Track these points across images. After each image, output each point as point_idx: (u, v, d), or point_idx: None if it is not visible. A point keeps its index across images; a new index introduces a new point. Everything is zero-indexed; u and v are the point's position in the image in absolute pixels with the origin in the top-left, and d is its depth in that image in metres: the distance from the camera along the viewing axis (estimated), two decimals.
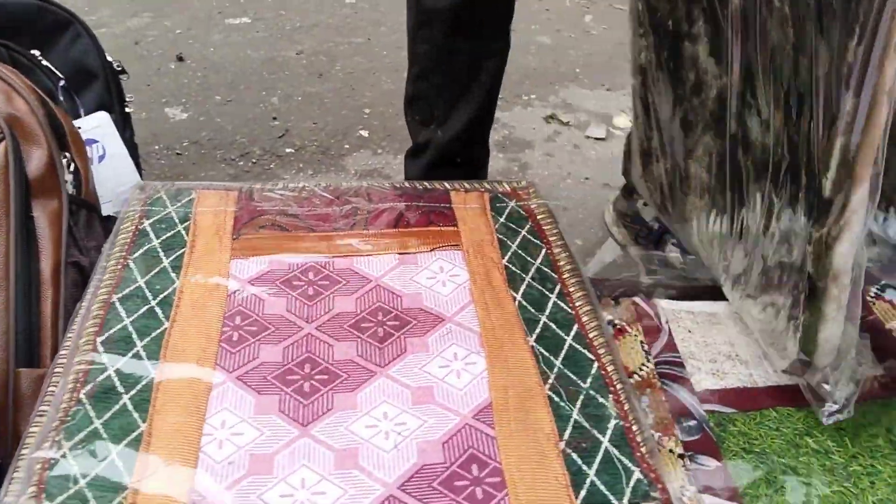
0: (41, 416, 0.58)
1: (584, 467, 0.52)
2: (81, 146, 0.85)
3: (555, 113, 1.61)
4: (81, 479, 0.49)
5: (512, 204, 0.78)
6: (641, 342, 0.81)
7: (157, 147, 1.41)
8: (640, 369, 0.74)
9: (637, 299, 0.87)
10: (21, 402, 0.69)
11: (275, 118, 1.53)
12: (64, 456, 0.51)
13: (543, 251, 0.71)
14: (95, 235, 0.82)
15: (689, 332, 0.83)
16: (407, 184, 0.80)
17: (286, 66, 1.70)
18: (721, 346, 0.81)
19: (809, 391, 0.67)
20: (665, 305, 0.87)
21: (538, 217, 0.76)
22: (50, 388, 0.60)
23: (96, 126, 0.97)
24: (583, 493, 0.50)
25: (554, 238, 0.73)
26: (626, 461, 0.52)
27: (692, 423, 0.72)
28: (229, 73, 1.66)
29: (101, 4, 1.88)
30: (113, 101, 1.02)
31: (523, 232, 0.74)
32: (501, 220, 0.75)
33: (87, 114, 1.00)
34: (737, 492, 0.66)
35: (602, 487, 0.51)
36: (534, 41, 1.82)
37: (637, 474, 0.52)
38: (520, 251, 0.71)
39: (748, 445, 0.70)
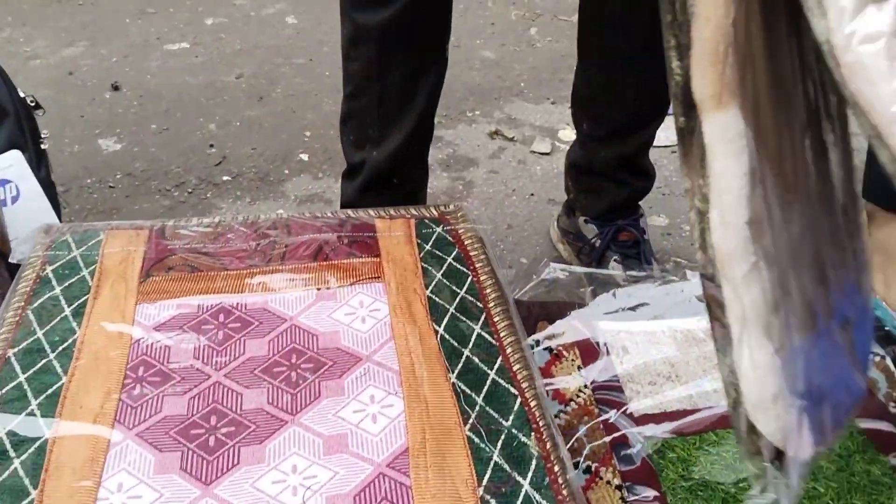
0: None
1: None
2: None
3: (499, 129, 1.58)
4: None
5: (439, 230, 0.75)
6: (579, 367, 0.79)
7: (89, 181, 1.37)
8: (578, 396, 0.71)
9: (575, 321, 0.84)
10: None
11: (212, 145, 1.49)
12: None
13: (469, 279, 0.69)
14: (2, 282, 0.78)
15: (628, 352, 0.81)
16: (330, 213, 0.76)
17: (225, 90, 1.66)
18: (660, 366, 0.79)
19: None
20: (603, 326, 0.84)
21: (465, 242, 0.74)
22: None
23: (9, 166, 0.93)
24: None
25: (481, 265, 0.71)
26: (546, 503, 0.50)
27: (630, 451, 0.70)
28: (166, 100, 1.61)
29: (36, 36, 1.84)
30: (27, 139, 0.98)
31: (449, 259, 0.71)
32: (427, 247, 0.72)
33: None
34: None
35: None
36: (478, 56, 1.80)
37: None
38: (444, 280, 0.68)
39: (686, 472, 0.68)
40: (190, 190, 1.37)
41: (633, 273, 0.95)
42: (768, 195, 0.41)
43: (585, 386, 0.76)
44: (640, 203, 1.15)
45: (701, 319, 0.84)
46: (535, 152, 1.51)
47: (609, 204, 1.05)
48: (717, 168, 0.41)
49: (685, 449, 0.70)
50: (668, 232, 1.30)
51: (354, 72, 0.96)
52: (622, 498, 0.63)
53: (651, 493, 0.66)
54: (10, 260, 0.81)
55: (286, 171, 1.44)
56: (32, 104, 1.00)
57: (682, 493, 0.66)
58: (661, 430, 0.71)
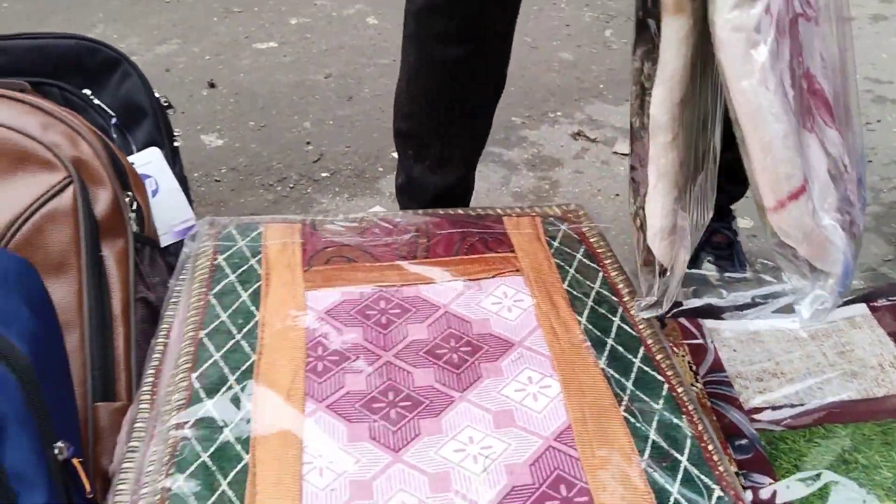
0: (133, 451, 0.60)
1: (667, 486, 0.55)
2: (141, 185, 0.88)
3: (581, 129, 1.63)
4: None
5: (564, 227, 0.81)
6: (689, 363, 0.84)
7: (196, 175, 1.44)
8: (691, 389, 0.77)
9: (682, 319, 0.90)
10: (100, 435, 0.72)
11: (308, 143, 1.57)
12: (179, 489, 0.54)
13: (600, 275, 0.74)
14: (159, 271, 0.85)
15: (734, 350, 0.86)
16: (461, 211, 0.82)
17: (315, 89, 1.73)
18: (765, 363, 0.84)
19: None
20: (709, 325, 0.90)
21: (591, 240, 0.79)
22: (138, 424, 0.62)
23: (148, 162, 1.00)
24: None
25: (609, 261, 0.76)
26: (706, 479, 0.55)
27: (744, 441, 0.75)
28: (260, 98, 1.69)
29: (129, 33, 1.92)
30: (163, 137, 1.05)
31: (578, 256, 0.77)
32: (556, 244, 0.78)
33: (138, 150, 1.03)
34: None
35: (685, 503, 0.53)
36: (556, 57, 1.85)
37: (718, 492, 0.54)
38: (577, 275, 0.74)
39: (799, 463, 0.73)
40: (291, 185, 1.45)
41: (729, 275, 1.00)
42: (694, 82, 0.57)
43: (697, 380, 0.81)
44: (731, 206, 1.19)
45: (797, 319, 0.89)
46: (617, 153, 1.56)
47: None
48: (665, 57, 0.56)
49: (795, 441, 0.75)
50: (753, 234, 1.34)
51: (416, 104, 0.99)
52: (741, 485, 0.69)
53: (766, 479, 0.71)
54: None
55: (380, 169, 1.51)
56: (165, 104, 1.07)
57: (796, 481, 0.71)
58: (772, 425, 0.76)
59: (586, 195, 1.45)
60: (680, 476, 0.55)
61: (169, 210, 0.97)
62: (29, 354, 0.59)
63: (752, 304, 0.92)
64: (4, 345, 0.57)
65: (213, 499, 0.53)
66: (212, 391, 0.61)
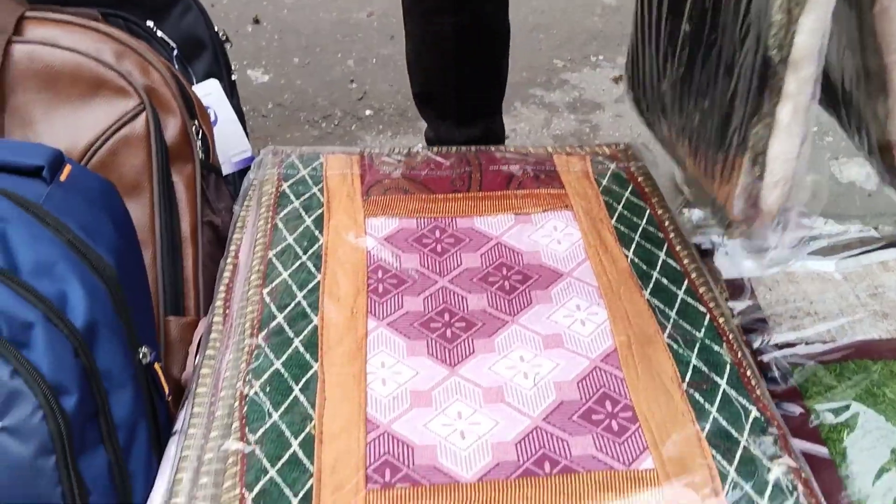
0: (210, 359, 0.66)
1: (706, 405, 0.59)
2: (206, 114, 0.92)
3: (622, 74, 1.64)
4: (274, 412, 0.57)
5: (612, 166, 0.84)
6: (727, 298, 0.88)
7: (244, 109, 1.48)
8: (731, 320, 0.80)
9: (722, 260, 0.93)
10: (170, 347, 0.78)
11: (352, 80, 1.59)
12: (256, 393, 0.59)
13: (647, 212, 0.77)
14: (223, 197, 0.90)
15: (770, 290, 0.90)
16: (512, 148, 0.86)
17: (358, 28, 1.75)
18: (800, 303, 0.88)
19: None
20: (748, 265, 0.93)
21: (638, 179, 0.82)
22: (213, 335, 0.68)
23: (208, 93, 1.03)
24: (707, 426, 0.57)
25: (656, 200, 0.79)
26: (743, 401, 0.59)
27: (776, 374, 0.79)
28: (304, 35, 1.71)
29: None
30: (221, 70, 1.09)
31: (626, 194, 0.80)
32: (604, 182, 0.81)
33: (198, 82, 1.06)
34: (819, 436, 0.72)
35: (724, 423, 0.58)
36: (599, 2, 1.84)
37: (755, 412, 0.58)
38: (625, 212, 0.77)
39: (829, 395, 0.76)
40: (336, 122, 1.48)
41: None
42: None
43: (733, 316, 0.85)
44: None
45: (833, 262, 0.92)
46: None
47: None
48: None
49: (826, 375, 0.78)
50: None
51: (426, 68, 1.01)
52: None
53: (797, 409, 0.75)
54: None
55: None
56: (223, 38, 1.10)
57: (826, 412, 0.75)
58: (804, 358, 0.80)
59: (626, 139, 1.47)
60: (719, 398, 0.59)
61: (227, 141, 1.00)
62: (115, 267, 0.63)
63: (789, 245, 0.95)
64: (95, 257, 0.61)
65: (287, 403, 0.58)
66: (282, 306, 0.66)
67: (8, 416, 0.54)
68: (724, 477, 0.54)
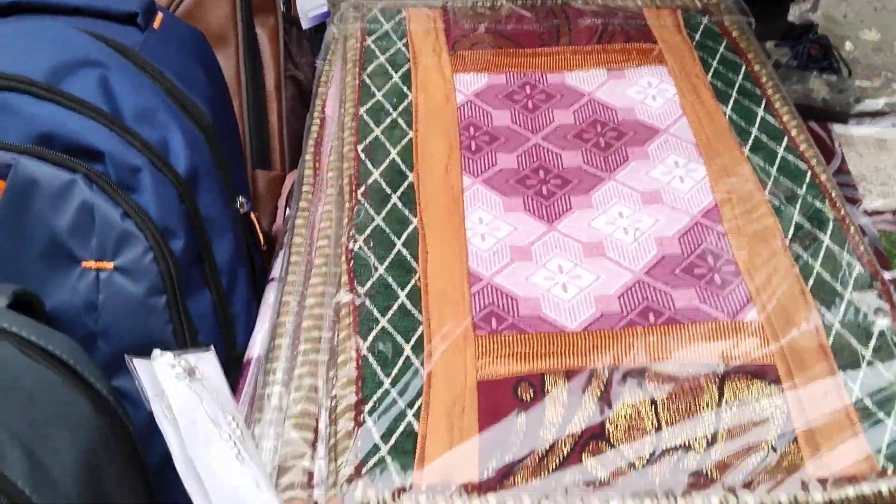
0: (304, 210, 0.67)
1: (810, 260, 0.59)
2: None
3: None
4: (379, 265, 0.59)
5: (705, 20, 0.80)
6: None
7: None
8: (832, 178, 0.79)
9: (811, 122, 0.91)
10: (258, 200, 0.79)
11: None
12: (360, 248, 0.60)
13: (743, 68, 0.75)
14: (305, 51, 0.89)
15: (861, 155, 0.88)
16: (601, 1, 0.83)
17: None
18: (891, 170, 0.86)
19: None
20: (838, 129, 0.91)
21: (733, 34, 0.79)
22: (305, 187, 0.68)
23: None
24: (810, 281, 0.58)
25: (752, 55, 0.77)
26: (847, 257, 0.59)
27: (864, 238, 0.79)
28: None
29: None
30: None
31: (721, 49, 0.77)
32: (697, 37, 0.78)
33: None
34: None
35: (828, 277, 0.58)
36: None
37: (858, 268, 0.59)
38: (720, 68, 0.75)
39: None
40: None
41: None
42: None
43: None
44: None
45: None
46: None
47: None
48: None
49: None
50: (878, 48, 1.30)
51: None
52: None
53: (888, 275, 0.75)
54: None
55: None
56: None
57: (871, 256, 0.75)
58: (892, 224, 0.80)
59: None
60: (822, 253, 0.60)
61: None
62: (210, 115, 0.64)
63: (881, 113, 0.92)
64: (192, 105, 0.62)
65: (391, 257, 0.60)
66: (377, 162, 0.66)
67: (120, 257, 0.56)
68: (828, 329, 0.55)
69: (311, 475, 0.49)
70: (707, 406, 0.51)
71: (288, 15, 0.84)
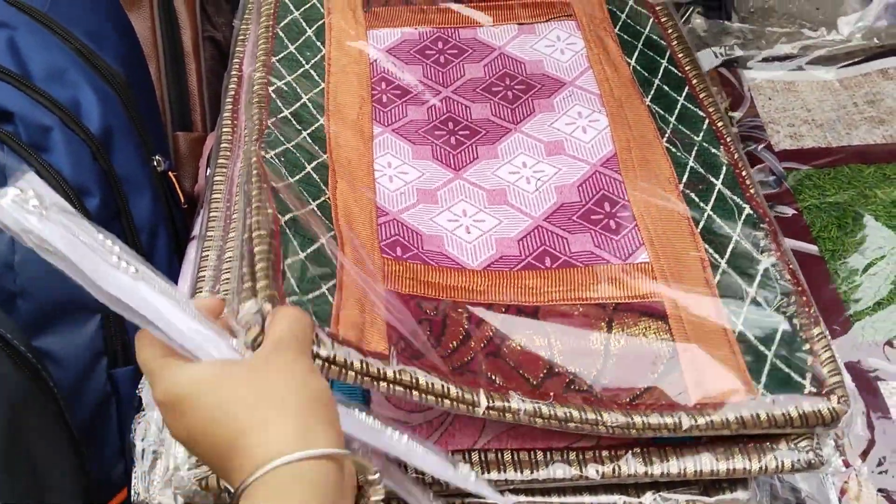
0: (223, 167, 0.68)
1: (702, 204, 0.63)
2: None
3: None
4: (290, 177, 0.58)
5: None
6: (726, 108, 0.90)
7: None
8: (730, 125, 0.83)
9: (721, 69, 0.96)
10: (181, 162, 0.81)
11: None
12: (272, 158, 0.59)
13: (651, 20, 0.78)
14: (222, 11, 0.90)
15: (769, 98, 0.93)
16: None
17: None
18: (798, 111, 0.91)
19: None
20: (747, 74, 0.95)
21: None
22: (223, 145, 0.69)
23: None
24: (701, 224, 0.61)
25: (660, 7, 0.80)
26: (737, 199, 0.63)
27: (772, 178, 0.83)
28: None
29: None
30: None
31: (630, 2, 0.80)
32: None
33: None
34: (810, 234, 0.77)
35: (717, 219, 0.61)
36: None
37: (748, 210, 0.62)
38: (629, 20, 0.78)
39: (822, 197, 0.81)
40: None
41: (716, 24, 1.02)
42: None
43: (732, 124, 0.87)
44: None
45: (833, 70, 0.94)
46: None
47: None
48: None
49: (820, 178, 0.83)
50: None
51: None
52: None
53: (790, 210, 0.80)
54: None
55: None
56: None
57: (816, 211, 0.79)
58: (799, 164, 0.84)
59: None
60: (714, 197, 0.63)
61: None
62: (124, 75, 0.65)
63: (788, 57, 0.97)
64: (103, 65, 0.63)
65: (301, 175, 0.60)
66: (288, 103, 0.67)
67: None
68: (715, 267, 0.59)
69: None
70: (596, 341, 0.55)
71: None
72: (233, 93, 0.74)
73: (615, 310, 0.56)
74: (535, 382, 0.51)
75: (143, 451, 0.55)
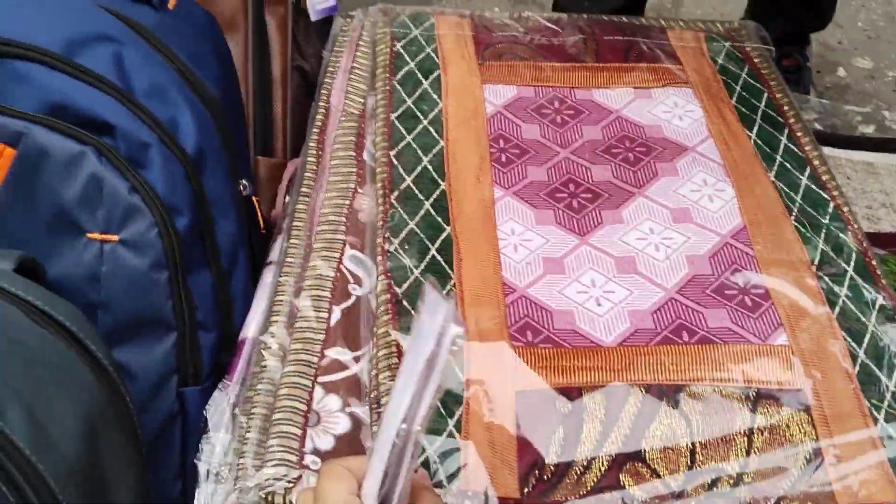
0: (306, 196, 0.69)
1: (836, 289, 0.62)
2: None
3: None
4: (414, 269, 0.60)
5: (727, 45, 0.84)
6: None
7: None
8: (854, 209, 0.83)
9: None
10: (259, 186, 0.80)
11: None
12: (396, 249, 0.61)
13: (766, 95, 0.78)
14: (312, 42, 0.90)
15: (848, 179, 0.92)
16: (625, 19, 0.85)
17: None
18: (876, 194, 0.91)
19: None
20: (826, 152, 0.96)
21: (755, 60, 0.83)
22: (307, 174, 0.70)
23: None
24: (837, 309, 0.60)
25: (774, 83, 0.80)
26: (870, 289, 0.62)
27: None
28: None
29: None
30: None
31: (743, 74, 0.80)
32: (720, 61, 0.81)
33: None
34: None
35: (853, 307, 0.61)
36: None
37: (881, 300, 0.61)
38: (744, 93, 0.78)
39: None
40: None
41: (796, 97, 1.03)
42: None
43: None
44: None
45: None
46: None
47: (775, 34, 1.06)
48: None
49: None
50: (871, 75, 1.36)
51: None
52: None
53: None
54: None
55: None
56: None
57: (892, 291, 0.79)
58: (875, 247, 0.83)
59: (708, 17, 1.45)
60: (846, 283, 0.62)
61: None
62: (219, 98, 0.65)
63: (868, 138, 0.97)
64: (202, 87, 0.63)
65: (426, 261, 0.61)
66: (409, 169, 0.68)
67: (126, 230, 0.58)
68: (854, 358, 0.58)
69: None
70: (739, 430, 0.53)
71: (298, 6, 0.87)
72: (319, 123, 0.74)
73: (758, 396, 0.55)
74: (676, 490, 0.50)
75: (208, 472, 0.55)
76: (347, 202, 0.67)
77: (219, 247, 0.64)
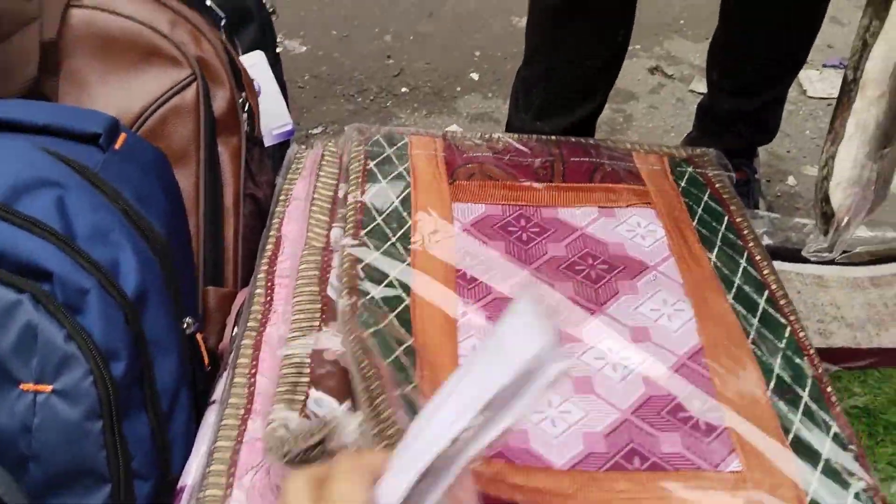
0: (252, 329, 0.70)
1: (790, 415, 0.64)
2: (252, 86, 0.95)
3: (659, 65, 1.69)
4: (374, 380, 0.61)
5: (690, 170, 0.88)
6: None
7: None
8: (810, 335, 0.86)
9: None
10: (208, 316, 0.81)
11: (389, 56, 1.63)
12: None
13: (726, 218, 0.82)
14: (265, 170, 0.93)
15: (798, 292, 0.96)
16: (592, 141, 0.90)
17: (397, 3, 1.78)
18: (827, 307, 0.94)
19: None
20: (776, 266, 0.99)
21: (716, 185, 0.87)
22: (255, 307, 0.71)
23: (253, 65, 1.04)
24: (791, 435, 0.62)
25: (734, 207, 0.84)
26: (825, 416, 0.64)
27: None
28: (344, 7, 1.74)
29: None
30: (266, 41, 1.11)
31: (705, 198, 0.85)
32: (683, 184, 0.86)
33: (243, 53, 1.08)
34: None
35: (807, 434, 0.63)
36: None
37: (835, 428, 0.63)
38: (705, 215, 0.82)
39: (851, 400, 0.82)
40: (372, 97, 1.52)
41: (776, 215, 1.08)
42: None
43: None
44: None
45: (865, 269, 0.98)
46: (693, 91, 1.62)
47: (724, 150, 1.08)
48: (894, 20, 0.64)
49: (850, 380, 0.84)
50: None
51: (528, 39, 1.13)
52: None
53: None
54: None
55: (458, 89, 1.58)
56: (270, 9, 1.13)
57: (847, 417, 0.80)
58: (828, 363, 0.86)
59: (659, 131, 1.53)
60: (801, 409, 0.65)
61: (269, 114, 1.02)
62: (165, 236, 0.67)
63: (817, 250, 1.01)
64: (147, 227, 0.65)
65: (391, 359, 0.62)
66: (375, 281, 0.70)
67: (60, 379, 0.59)
68: (806, 486, 0.59)
69: None
70: None
71: (251, 134, 0.89)
72: (269, 252, 0.77)
73: None
74: None
75: None
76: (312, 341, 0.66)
77: (158, 389, 0.64)
